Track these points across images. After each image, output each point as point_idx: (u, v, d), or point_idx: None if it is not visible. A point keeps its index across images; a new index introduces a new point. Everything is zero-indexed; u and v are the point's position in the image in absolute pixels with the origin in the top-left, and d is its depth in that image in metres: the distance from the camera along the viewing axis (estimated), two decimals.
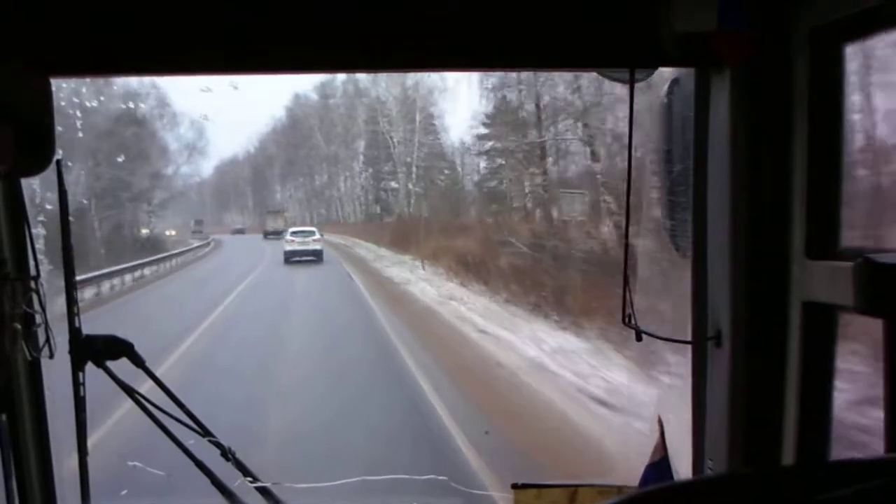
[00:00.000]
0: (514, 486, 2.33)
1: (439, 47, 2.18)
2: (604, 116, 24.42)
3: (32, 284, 2.33)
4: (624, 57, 2.16)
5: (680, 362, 2.26)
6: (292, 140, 53.38)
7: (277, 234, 44.81)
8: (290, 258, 34.15)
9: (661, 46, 2.06)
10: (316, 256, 34.54)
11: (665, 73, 2.27)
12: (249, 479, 2.58)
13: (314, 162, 52.97)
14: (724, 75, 2.05)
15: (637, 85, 2.17)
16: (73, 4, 2.11)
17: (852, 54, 1.88)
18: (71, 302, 2.43)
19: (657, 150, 2.35)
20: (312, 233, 36.95)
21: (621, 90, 2.21)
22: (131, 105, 35.15)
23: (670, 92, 2.28)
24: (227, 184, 61.68)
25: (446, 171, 42.95)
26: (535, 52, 2.19)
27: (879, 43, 1.86)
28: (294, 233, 37.02)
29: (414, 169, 43.33)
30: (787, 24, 1.93)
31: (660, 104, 2.32)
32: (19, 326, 2.31)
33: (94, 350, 2.44)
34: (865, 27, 1.80)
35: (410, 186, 42.86)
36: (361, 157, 48.65)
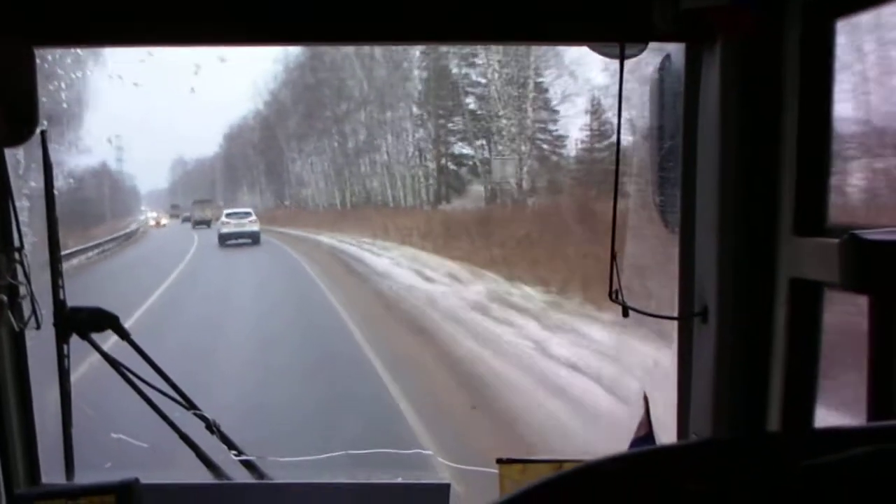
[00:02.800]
0: (500, 461, 2.33)
1: (431, 21, 2.17)
2: None
3: (17, 256, 2.31)
4: (614, 31, 2.15)
5: None
6: (311, 80, 34.78)
7: (206, 223, 41.06)
8: (226, 241, 32.51)
9: (651, 21, 2.05)
10: (252, 239, 32.64)
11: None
12: (234, 452, 2.58)
13: (345, 112, 34.06)
14: (715, 50, 2.04)
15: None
16: None
17: (845, 29, 1.87)
18: (55, 274, 2.42)
19: (648, 126, 2.34)
20: (248, 214, 34.30)
21: None
22: None
23: (661, 67, 2.27)
24: (237, 155, 46.32)
25: (558, 133, 26.74)
26: (524, 25, 2.17)
27: (873, 18, 1.85)
28: (229, 214, 34.45)
29: (530, 115, 26.84)
30: None
31: (650, 79, 2.31)
32: (4, 298, 2.29)
33: (78, 322, 2.44)
34: (860, 2, 1.79)
35: (524, 149, 26.46)
36: (420, 106, 30.40)
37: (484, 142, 28.50)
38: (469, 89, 29.18)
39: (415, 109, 30.98)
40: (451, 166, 29.78)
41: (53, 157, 2.37)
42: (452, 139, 30.01)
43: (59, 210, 2.46)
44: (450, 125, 29.94)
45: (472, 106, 29.22)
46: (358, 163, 35.10)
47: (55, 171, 2.41)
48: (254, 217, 34.24)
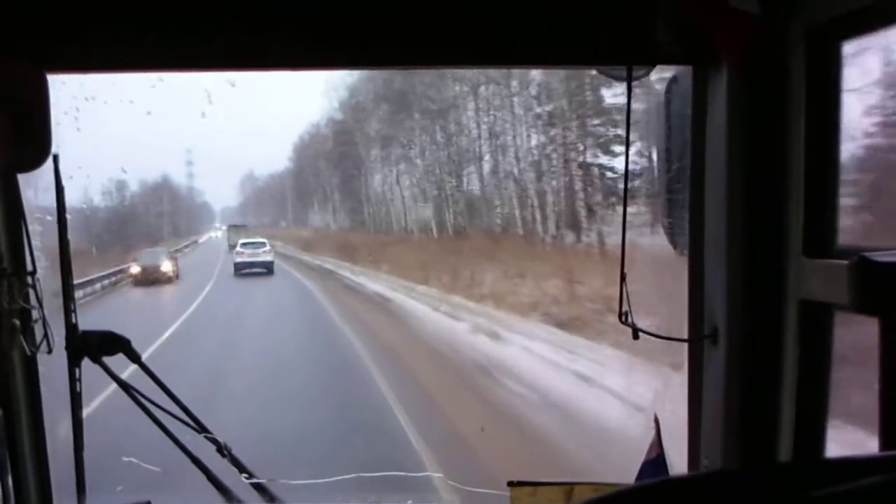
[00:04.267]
0: (510, 484, 2.33)
1: (436, 44, 2.18)
2: None
3: (29, 280, 2.33)
4: (621, 55, 2.16)
5: None
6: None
7: None
8: (240, 269, 32.56)
9: (658, 44, 2.06)
10: (266, 269, 32.52)
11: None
12: (245, 475, 2.58)
13: (449, 103, 24.29)
14: (722, 73, 2.05)
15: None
16: None
17: (849, 52, 1.88)
18: (67, 297, 2.43)
19: (656, 148, 2.35)
20: (263, 244, 34.19)
21: None
22: None
23: (668, 90, 2.28)
24: (307, 168, 39.13)
25: None
26: (532, 49, 2.19)
27: (877, 41, 1.86)
28: (244, 244, 34.64)
29: None
30: (784, 22, 1.93)
31: (658, 102, 2.32)
32: (17, 322, 2.31)
33: (90, 346, 2.45)
34: (862, 25, 1.80)
35: None
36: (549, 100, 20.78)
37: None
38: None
39: (539, 105, 21.61)
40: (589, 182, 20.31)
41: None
42: (587, 144, 20.78)
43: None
44: (590, 128, 20.92)
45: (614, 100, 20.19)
46: (461, 173, 24.54)
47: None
48: (268, 247, 34.26)
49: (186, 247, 45.36)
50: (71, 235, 2.40)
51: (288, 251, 38.55)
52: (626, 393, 10.00)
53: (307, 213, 40.99)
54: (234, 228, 41.59)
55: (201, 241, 48.55)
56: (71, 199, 2.45)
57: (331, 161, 34.69)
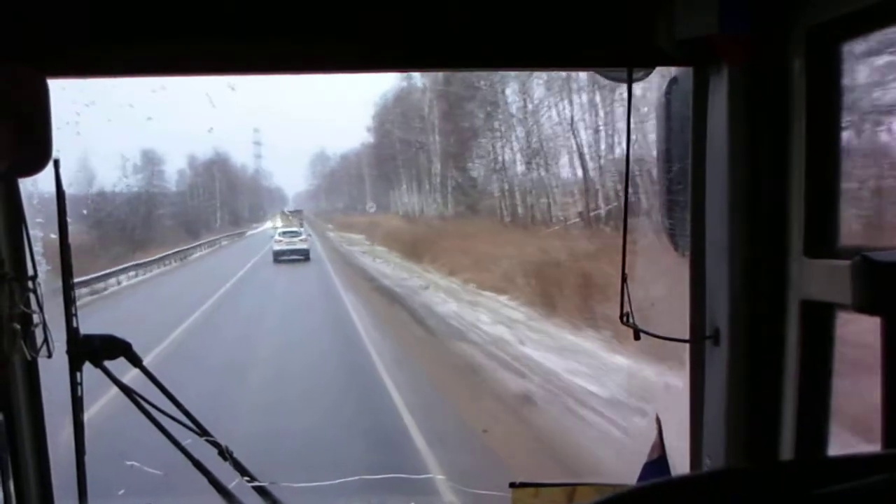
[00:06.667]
0: (513, 485, 2.33)
1: (439, 47, 2.19)
2: None
3: (30, 284, 2.33)
4: (621, 56, 2.17)
5: None
6: None
7: (293, 233, 40.41)
8: (279, 257, 34.17)
9: (658, 46, 2.06)
10: (303, 256, 34.30)
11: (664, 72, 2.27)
12: (247, 478, 2.58)
13: None
14: (722, 74, 2.05)
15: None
16: (71, 4, 2.11)
17: (850, 52, 1.88)
18: (68, 301, 2.43)
19: (656, 149, 2.35)
20: (299, 233, 36.22)
21: None
22: None
23: (669, 91, 2.29)
24: (392, 138, 30.34)
25: None
26: (533, 51, 2.19)
27: (877, 41, 1.86)
28: (282, 233, 36.44)
29: None
30: (785, 23, 1.93)
31: (658, 103, 2.32)
32: (18, 326, 2.31)
33: (91, 350, 2.44)
34: (863, 25, 1.80)
35: None
36: None
37: None
38: None
39: None
40: None
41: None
42: None
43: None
44: None
45: None
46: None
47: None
48: (304, 236, 35.90)
49: (209, 244, 41.41)
50: (70, 227, 2.37)
51: (377, 268, 24.80)
52: None
53: (388, 195, 33.48)
54: (286, 216, 41.27)
55: (253, 232, 42.89)
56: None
57: (431, 118, 23.85)
